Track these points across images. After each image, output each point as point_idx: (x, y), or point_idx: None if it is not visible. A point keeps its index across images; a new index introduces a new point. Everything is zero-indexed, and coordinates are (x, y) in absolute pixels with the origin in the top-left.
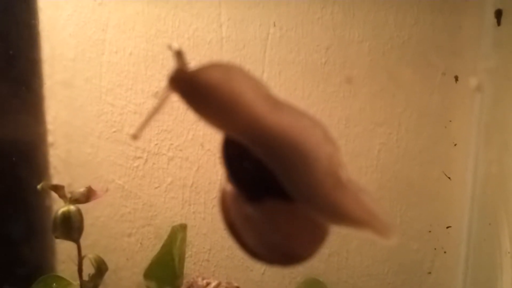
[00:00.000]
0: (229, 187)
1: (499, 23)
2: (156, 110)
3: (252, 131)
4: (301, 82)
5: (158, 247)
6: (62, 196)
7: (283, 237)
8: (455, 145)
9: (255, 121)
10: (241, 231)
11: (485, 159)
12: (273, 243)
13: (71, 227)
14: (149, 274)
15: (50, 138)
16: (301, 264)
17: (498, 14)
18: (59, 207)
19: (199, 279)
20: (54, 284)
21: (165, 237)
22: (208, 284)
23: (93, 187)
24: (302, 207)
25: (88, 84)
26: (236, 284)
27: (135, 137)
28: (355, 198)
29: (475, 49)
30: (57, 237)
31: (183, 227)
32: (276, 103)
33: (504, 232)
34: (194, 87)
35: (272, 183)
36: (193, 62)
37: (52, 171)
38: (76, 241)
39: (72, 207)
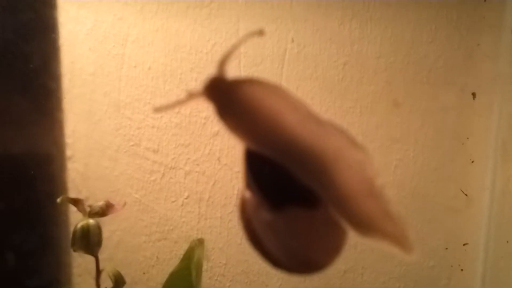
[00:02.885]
0: (248, 194)
1: None
2: (178, 103)
3: (281, 146)
4: (318, 97)
5: (174, 261)
6: (81, 210)
7: (304, 245)
8: (472, 162)
9: (286, 138)
10: (262, 239)
11: (503, 176)
12: (293, 250)
13: (89, 241)
14: None
15: (68, 152)
16: (318, 272)
17: None
18: (76, 220)
19: None
20: None
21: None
22: None
23: (111, 201)
24: (326, 213)
25: (107, 98)
26: None
27: (157, 110)
28: (385, 209)
29: (493, 66)
30: (75, 251)
31: (201, 242)
32: (311, 119)
33: None
34: (230, 98)
35: (294, 190)
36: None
37: (69, 184)
38: (95, 254)
39: (91, 221)
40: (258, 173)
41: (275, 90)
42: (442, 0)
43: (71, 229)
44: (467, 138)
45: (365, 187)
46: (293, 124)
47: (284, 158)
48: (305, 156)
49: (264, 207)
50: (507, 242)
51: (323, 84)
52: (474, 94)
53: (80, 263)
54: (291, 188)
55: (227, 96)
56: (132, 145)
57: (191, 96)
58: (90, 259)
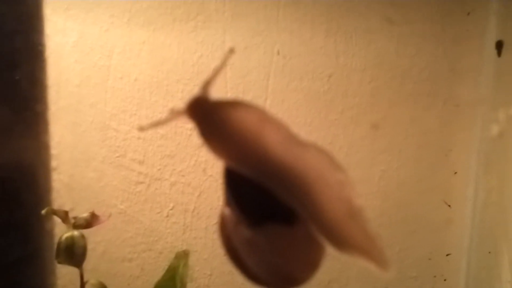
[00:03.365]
0: (227, 211)
1: (499, 54)
2: (162, 122)
3: (262, 167)
4: (304, 109)
5: (159, 272)
6: (66, 221)
7: (283, 261)
8: (455, 173)
9: (267, 159)
10: (242, 255)
11: (485, 188)
12: (273, 266)
13: (74, 252)
14: None
15: (53, 163)
16: (298, 287)
17: (499, 45)
18: (61, 231)
19: None
20: None
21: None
22: None
23: (96, 212)
24: (305, 230)
25: (92, 109)
26: None
27: (141, 129)
28: (363, 228)
29: (476, 79)
30: (60, 263)
31: (186, 253)
32: (292, 141)
33: (504, 261)
34: (212, 119)
35: (274, 208)
36: (196, 88)
37: (54, 195)
38: (79, 266)
39: (75, 233)
40: (238, 191)
41: (258, 112)
42: (426, 13)
43: (56, 240)
44: (450, 150)
45: (344, 207)
46: (274, 146)
47: (264, 178)
48: (286, 177)
49: (243, 224)
50: (489, 252)
51: (308, 96)
52: (457, 106)
53: (64, 274)
54: (271, 206)
55: (209, 117)
56: (118, 156)
57: (174, 114)
58: (74, 270)
